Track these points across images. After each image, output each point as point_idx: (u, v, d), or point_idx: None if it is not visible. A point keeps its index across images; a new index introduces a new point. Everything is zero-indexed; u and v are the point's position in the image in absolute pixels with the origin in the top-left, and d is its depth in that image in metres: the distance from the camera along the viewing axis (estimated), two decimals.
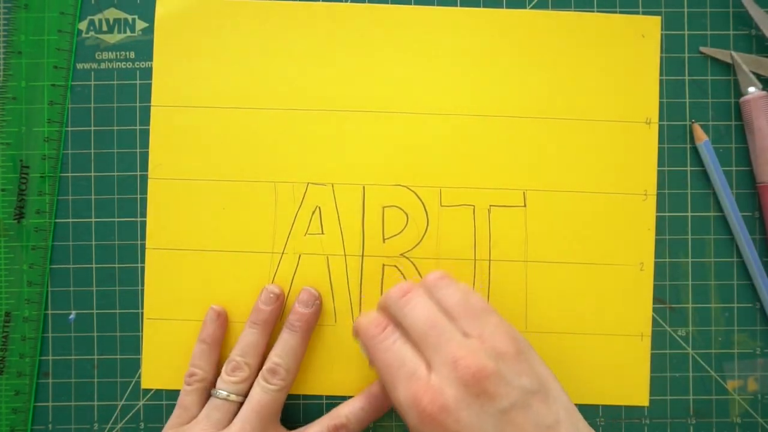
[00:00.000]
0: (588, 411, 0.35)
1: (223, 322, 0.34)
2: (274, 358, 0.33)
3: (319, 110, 0.35)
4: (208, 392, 0.33)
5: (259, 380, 0.32)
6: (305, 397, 0.35)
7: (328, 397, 0.35)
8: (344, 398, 0.35)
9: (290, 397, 0.35)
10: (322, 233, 0.35)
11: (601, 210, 0.35)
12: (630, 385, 0.35)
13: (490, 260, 0.35)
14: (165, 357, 0.35)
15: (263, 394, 0.32)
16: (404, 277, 0.35)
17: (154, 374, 0.35)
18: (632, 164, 0.35)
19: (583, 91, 0.35)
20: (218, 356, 0.34)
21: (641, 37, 0.35)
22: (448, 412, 0.26)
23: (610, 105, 0.35)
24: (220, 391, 0.32)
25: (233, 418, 0.32)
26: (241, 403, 0.32)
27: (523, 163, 0.35)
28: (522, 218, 0.35)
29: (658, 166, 0.35)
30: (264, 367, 0.32)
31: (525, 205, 0.35)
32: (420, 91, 0.35)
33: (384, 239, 0.35)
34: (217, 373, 0.33)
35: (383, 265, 0.35)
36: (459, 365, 0.26)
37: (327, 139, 0.35)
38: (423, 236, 0.35)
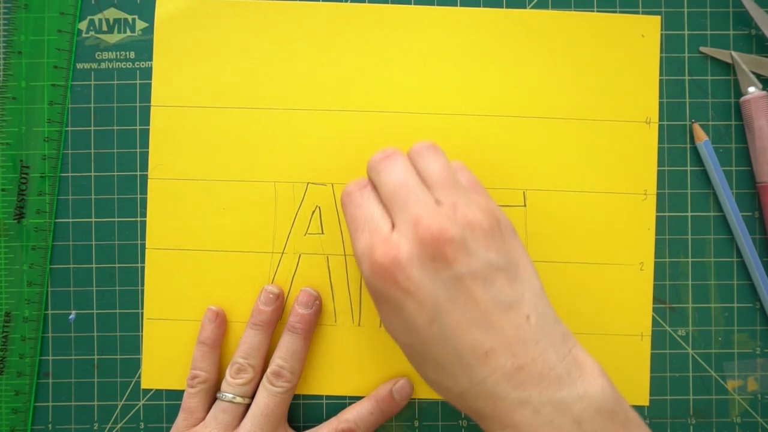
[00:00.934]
0: None
1: (221, 322, 0.34)
2: (278, 360, 0.33)
3: (318, 110, 0.35)
4: (212, 393, 0.33)
5: (265, 383, 0.32)
6: (305, 397, 0.35)
7: (329, 397, 0.35)
8: (345, 398, 0.35)
9: None
10: (322, 233, 0.35)
11: (601, 210, 0.35)
12: (630, 384, 0.35)
13: None
14: (165, 357, 0.35)
15: (269, 396, 0.32)
16: None
17: (154, 374, 0.35)
18: (632, 164, 0.35)
19: (583, 91, 0.35)
20: (219, 357, 0.34)
21: (641, 37, 0.35)
22: (398, 266, 0.25)
23: (609, 105, 0.35)
24: (226, 393, 0.32)
25: (241, 420, 0.32)
26: (248, 405, 0.32)
27: (523, 163, 0.35)
28: (522, 218, 0.35)
29: (658, 166, 0.35)
30: (268, 370, 0.32)
31: (525, 205, 0.35)
32: (419, 90, 0.35)
33: None
34: (219, 373, 0.34)
35: None
36: (420, 224, 0.25)
37: (327, 139, 0.35)
38: None
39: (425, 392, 0.35)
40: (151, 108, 0.35)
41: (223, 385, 0.33)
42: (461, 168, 0.30)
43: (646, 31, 0.35)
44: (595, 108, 0.35)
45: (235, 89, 0.35)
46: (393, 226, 0.27)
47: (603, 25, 0.35)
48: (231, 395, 0.32)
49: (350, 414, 0.33)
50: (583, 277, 0.35)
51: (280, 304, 0.34)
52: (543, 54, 0.35)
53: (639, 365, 0.35)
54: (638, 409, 0.35)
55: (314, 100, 0.35)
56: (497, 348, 0.25)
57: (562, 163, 0.35)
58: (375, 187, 0.29)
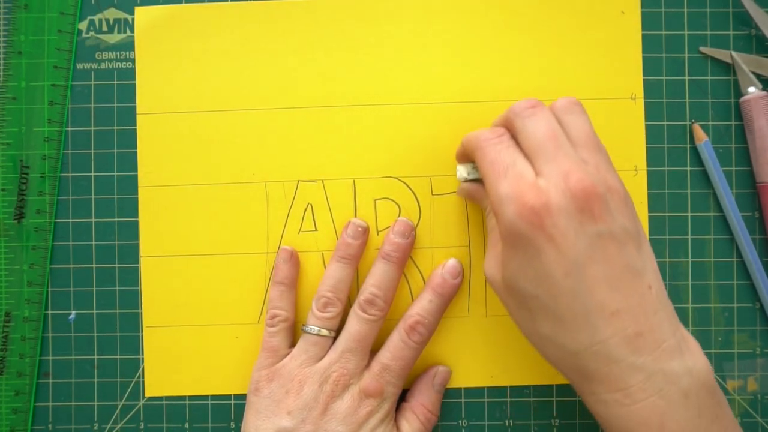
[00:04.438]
0: None
1: (295, 261, 0.34)
2: (371, 288, 0.33)
3: (304, 107, 0.35)
4: (292, 332, 0.34)
5: (356, 310, 0.32)
6: None
7: None
8: None
9: None
10: (316, 230, 0.35)
11: None
12: None
13: (484, 246, 0.35)
14: (167, 364, 0.35)
15: (361, 324, 0.32)
16: None
17: (157, 382, 0.35)
18: (620, 140, 0.35)
19: (566, 71, 0.35)
20: (296, 295, 0.34)
21: (621, 13, 0.35)
22: (549, 212, 0.25)
23: (594, 83, 0.35)
24: (312, 327, 0.32)
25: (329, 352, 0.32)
26: (334, 338, 0.33)
27: None
28: None
29: (658, 166, 0.35)
30: (360, 298, 0.33)
31: None
32: (403, 81, 0.35)
33: (378, 232, 0.35)
34: (297, 312, 0.34)
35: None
36: (571, 177, 0.25)
37: (314, 136, 0.35)
38: (416, 226, 0.35)
39: None
40: (137, 116, 0.35)
41: (310, 318, 0.33)
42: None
43: (625, 7, 0.35)
44: (580, 87, 0.35)
45: (220, 92, 0.35)
46: (535, 173, 0.26)
47: (583, 3, 0.35)
48: (317, 328, 0.32)
49: (412, 309, 0.33)
50: None
51: (366, 237, 0.34)
52: (525, 36, 0.35)
53: None
54: None
55: (299, 97, 0.35)
56: (623, 311, 0.25)
57: None
58: (513, 136, 0.28)
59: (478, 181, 0.31)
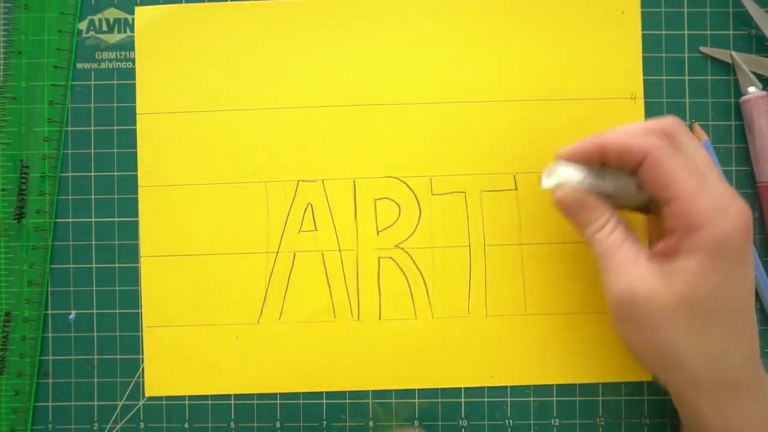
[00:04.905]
0: (588, 402, 0.35)
1: None
2: None
3: (304, 107, 0.35)
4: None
5: None
6: (305, 395, 0.35)
7: (329, 395, 0.35)
8: (345, 394, 0.35)
9: (289, 396, 0.35)
10: (316, 230, 0.35)
11: None
12: (630, 361, 0.34)
13: (484, 245, 0.35)
14: (167, 364, 0.35)
15: None
16: (401, 269, 0.35)
17: (157, 382, 0.35)
18: None
19: (566, 71, 0.35)
20: None
21: (621, 13, 0.35)
22: (751, 226, 0.27)
23: (594, 83, 0.35)
24: None
25: None
26: None
27: (512, 147, 0.35)
28: (514, 202, 0.35)
29: None
30: None
31: (516, 189, 0.35)
32: (403, 81, 0.35)
33: (378, 232, 0.35)
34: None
35: (378, 257, 0.35)
36: (738, 196, 0.27)
37: (314, 136, 0.35)
38: (416, 226, 0.35)
39: (427, 385, 0.35)
40: (137, 116, 0.35)
41: None
42: None
43: (626, 7, 0.35)
44: (580, 87, 0.35)
45: (219, 92, 0.35)
46: None
47: (583, 3, 0.35)
48: None
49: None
50: (579, 256, 0.35)
51: None
52: (525, 36, 0.35)
53: None
54: (639, 408, 0.35)
55: (298, 97, 0.35)
56: None
57: (551, 144, 0.35)
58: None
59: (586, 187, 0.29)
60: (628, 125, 0.29)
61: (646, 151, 0.27)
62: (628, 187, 0.29)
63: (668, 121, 0.28)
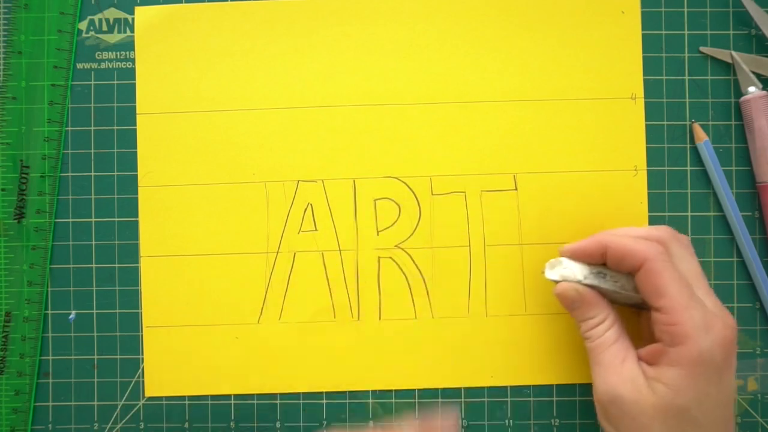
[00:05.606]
0: (588, 402, 0.35)
1: None
2: None
3: (304, 107, 0.35)
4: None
5: None
6: (305, 395, 0.35)
7: (329, 395, 0.35)
8: (345, 394, 0.35)
9: (289, 396, 0.35)
10: (316, 230, 0.35)
11: (593, 188, 0.35)
12: None
13: (484, 245, 0.35)
14: (167, 364, 0.35)
15: None
16: (401, 270, 0.35)
17: (157, 382, 0.35)
18: (620, 140, 0.35)
19: (566, 71, 0.35)
20: None
21: (621, 13, 0.35)
22: (734, 342, 0.28)
23: (594, 83, 0.35)
24: None
25: None
26: None
27: (512, 147, 0.35)
28: (514, 202, 0.35)
29: (659, 166, 0.35)
30: None
31: (516, 189, 0.35)
32: (404, 81, 0.35)
33: (378, 232, 0.35)
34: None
35: (378, 257, 0.35)
36: (726, 311, 0.29)
37: (314, 136, 0.35)
38: (416, 226, 0.35)
39: (427, 385, 0.35)
40: (137, 116, 0.35)
41: None
42: None
43: (626, 7, 0.35)
44: (580, 87, 0.35)
45: (219, 92, 0.35)
46: None
47: (583, 3, 0.35)
48: None
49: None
50: None
51: None
52: (524, 36, 0.35)
53: None
54: None
55: (299, 97, 0.35)
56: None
57: (551, 144, 0.35)
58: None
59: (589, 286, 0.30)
60: (630, 228, 0.31)
61: (644, 258, 0.28)
62: (626, 287, 0.30)
63: (663, 231, 0.30)
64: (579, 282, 0.30)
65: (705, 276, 0.30)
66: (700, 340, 0.27)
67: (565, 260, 0.30)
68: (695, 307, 0.27)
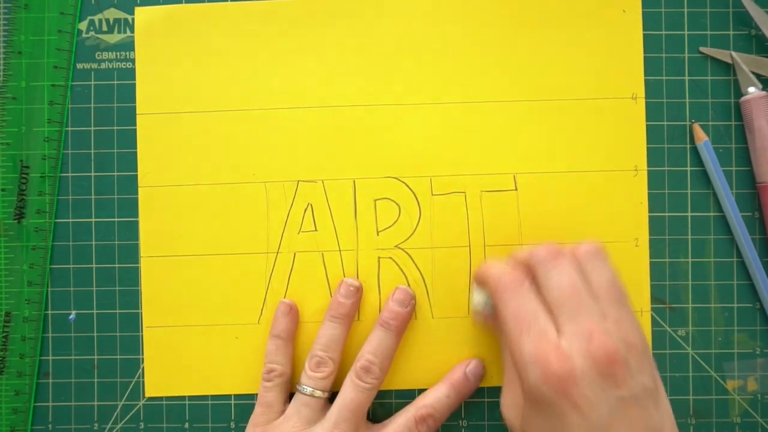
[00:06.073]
0: None
1: (294, 316, 0.34)
2: (368, 355, 0.32)
3: (304, 107, 0.35)
4: (288, 387, 0.34)
5: (352, 377, 0.32)
6: None
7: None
8: None
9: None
10: (316, 230, 0.35)
11: (593, 188, 0.35)
12: None
13: (484, 246, 0.35)
14: (167, 364, 0.35)
15: (357, 392, 0.32)
16: (401, 270, 0.35)
17: (157, 382, 0.35)
18: (621, 141, 0.35)
19: (567, 71, 0.35)
20: (293, 350, 0.34)
21: (622, 12, 0.35)
22: (573, 379, 0.25)
23: (595, 83, 0.35)
24: (306, 387, 0.32)
25: (322, 413, 0.32)
26: (326, 399, 0.32)
27: (512, 147, 0.35)
28: (514, 202, 0.35)
29: (659, 166, 0.35)
30: (357, 365, 0.32)
31: (516, 189, 0.35)
32: (404, 81, 0.35)
33: (378, 232, 0.35)
34: (294, 367, 0.34)
35: (378, 258, 0.35)
36: (594, 341, 0.26)
37: (314, 136, 0.35)
38: (416, 226, 0.35)
39: (427, 385, 0.35)
40: (137, 116, 0.35)
41: (303, 379, 0.32)
42: (617, 277, 0.29)
43: (627, 6, 0.35)
44: (581, 87, 0.35)
45: (219, 93, 0.35)
46: (556, 330, 0.27)
47: (583, 3, 0.35)
48: (311, 389, 0.32)
49: (427, 399, 0.32)
50: None
51: (359, 296, 0.34)
52: (525, 36, 0.35)
53: None
54: None
55: (298, 98, 0.35)
56: None
57: (551, 144, 0.35)
58: (533, 283, 0.28)
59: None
60: (516, 252, 0.31)
61: (493, 289, 0.29)
62: None
63: (535, 255, 0.29)
64: (482, 308, 0.32)
65: (618, 285, 0.28)
66: (529, 374, 0.26)
67: (474, 289, 0.32)
68: (529, 338, 0.26)
